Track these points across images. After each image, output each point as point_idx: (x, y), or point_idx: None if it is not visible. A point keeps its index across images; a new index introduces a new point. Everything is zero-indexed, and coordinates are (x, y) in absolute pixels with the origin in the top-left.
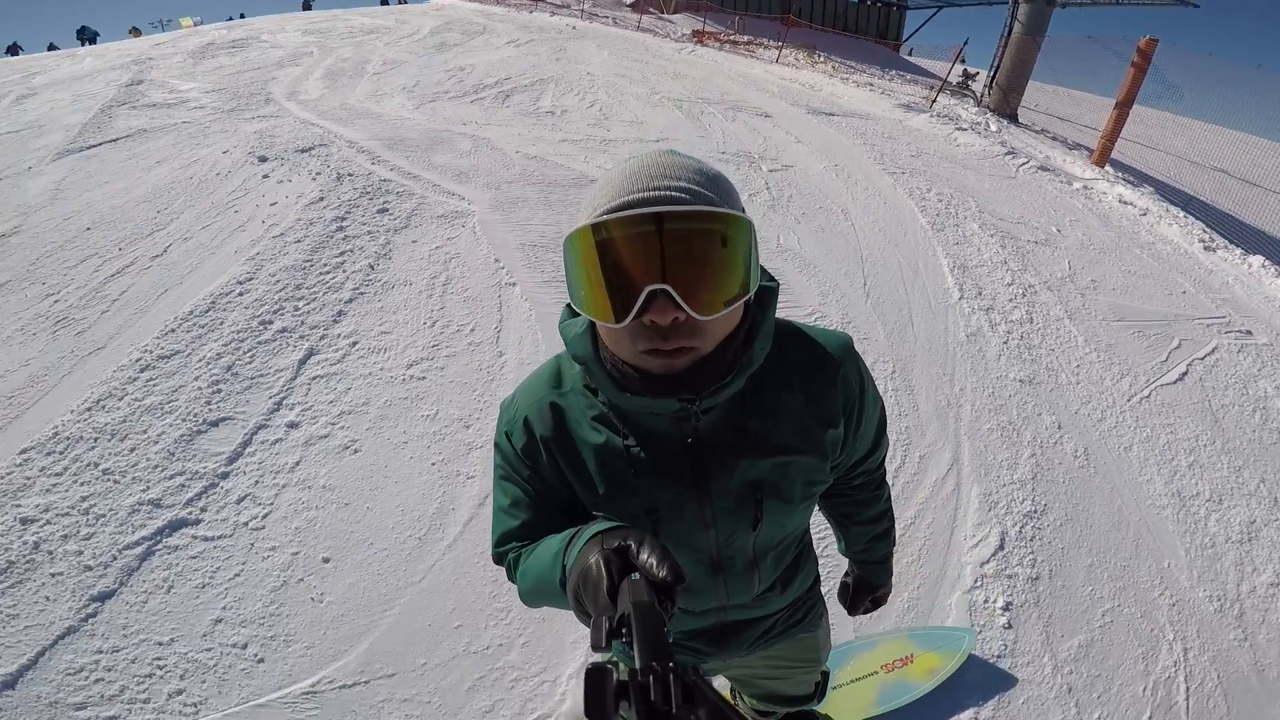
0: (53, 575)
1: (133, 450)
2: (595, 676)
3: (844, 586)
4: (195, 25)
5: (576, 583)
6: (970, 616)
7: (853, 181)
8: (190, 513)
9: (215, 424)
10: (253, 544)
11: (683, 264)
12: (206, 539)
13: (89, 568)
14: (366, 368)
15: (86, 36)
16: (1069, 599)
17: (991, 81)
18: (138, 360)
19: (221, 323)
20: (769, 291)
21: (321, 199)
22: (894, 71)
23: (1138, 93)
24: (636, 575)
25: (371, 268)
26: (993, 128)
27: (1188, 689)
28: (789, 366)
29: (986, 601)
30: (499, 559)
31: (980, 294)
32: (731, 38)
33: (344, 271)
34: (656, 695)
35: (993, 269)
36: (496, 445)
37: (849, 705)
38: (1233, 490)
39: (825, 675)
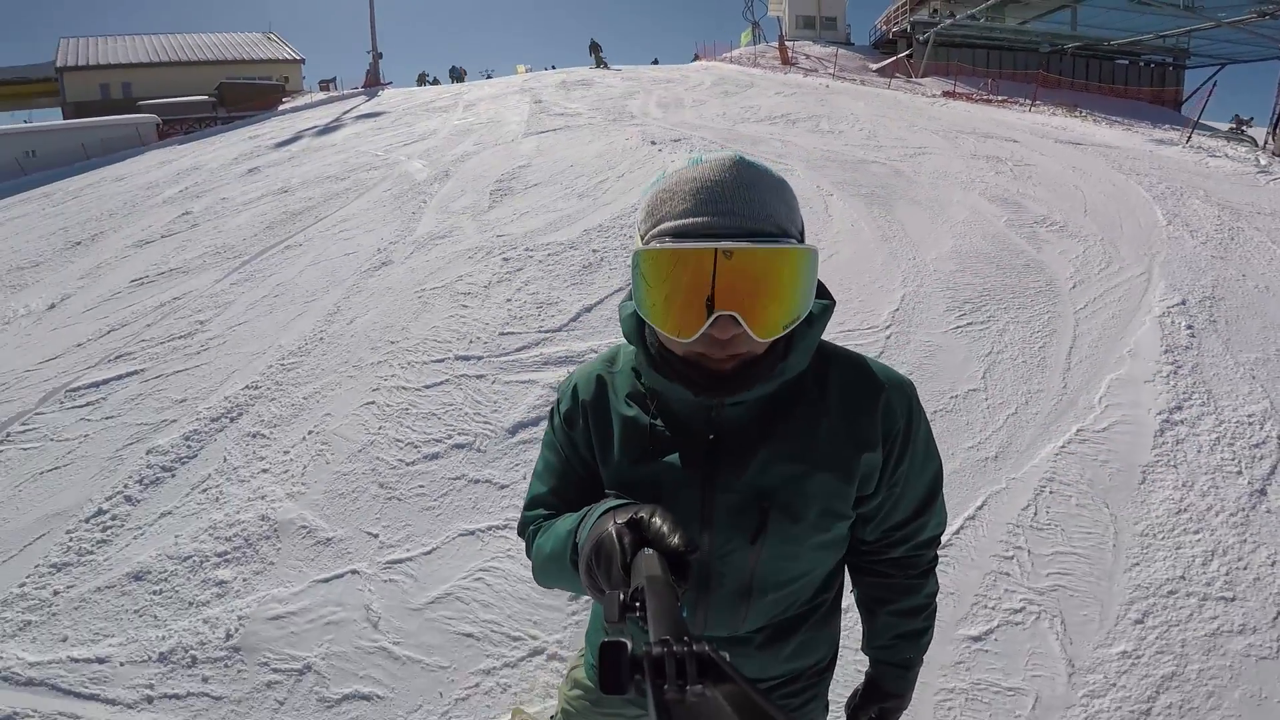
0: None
1: (622, 245)
2: (611, 651)
3: (857, 689)
4: (527, 71)
5: (590, 555)
6: (1161, 324)
7: (1087, 175)
8: None
9: None
10: None
11: (750, 291)
12: None
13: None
14: None
15: (455, 75)
16: (1244, 337)
17: (1275, 127)
18: (630, 210)
19: None
20: (821, 309)
21: None
22: (1167, 125)
23: None
24: (650, 550)
25: None
26: (1261, 161)
27: None
28: (831, 380)
29: (1173, 321)
30: (522, 529)
31: (1187, 224)
32: (986, 97)
33: None
34: (671, 670)
35: (1204, 219)
36: (550, 413)
37: None
38: None
39: None
